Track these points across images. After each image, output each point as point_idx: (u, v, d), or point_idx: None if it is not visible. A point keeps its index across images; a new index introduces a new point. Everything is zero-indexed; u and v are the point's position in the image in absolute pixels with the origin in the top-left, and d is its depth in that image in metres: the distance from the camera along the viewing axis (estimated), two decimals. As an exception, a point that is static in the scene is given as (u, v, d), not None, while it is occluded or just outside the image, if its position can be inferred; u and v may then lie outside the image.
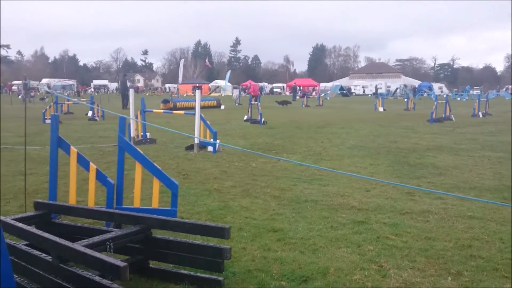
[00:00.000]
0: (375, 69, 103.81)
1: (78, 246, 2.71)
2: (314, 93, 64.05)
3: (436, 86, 75.75)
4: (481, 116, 20.35)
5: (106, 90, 70.64)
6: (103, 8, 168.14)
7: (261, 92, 63.32)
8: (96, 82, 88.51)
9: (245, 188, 5.95)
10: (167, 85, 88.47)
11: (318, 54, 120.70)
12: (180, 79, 73.52)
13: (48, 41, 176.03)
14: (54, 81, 78.48)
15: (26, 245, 3.10)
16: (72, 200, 4.25)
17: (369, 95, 66.58)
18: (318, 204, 5.17)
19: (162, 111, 14.52)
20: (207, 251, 3.06)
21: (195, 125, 9.32)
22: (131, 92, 10.64)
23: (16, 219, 3.36)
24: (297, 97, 46.54)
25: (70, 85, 76.60)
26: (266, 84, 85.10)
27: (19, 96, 39.44)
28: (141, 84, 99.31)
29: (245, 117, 17.54)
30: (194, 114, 9.38)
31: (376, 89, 61.27)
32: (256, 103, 16.94)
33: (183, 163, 7.94)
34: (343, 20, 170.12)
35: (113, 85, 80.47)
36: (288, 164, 7.62)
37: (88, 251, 2.62)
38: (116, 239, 3.03)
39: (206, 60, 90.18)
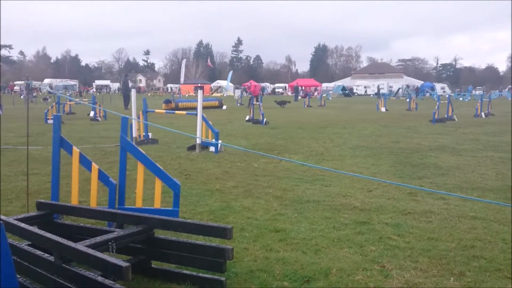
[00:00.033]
0: (377, 69, 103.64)
1: (80, 246, 2.72)
2: (316, 93, 64.00)
3: (438, 86, 75.61)
4: (483, 116, 20.31)
5: (108, 90, 70.68)
6: (106, 8, 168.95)
7: (263, 92, 63.26)
8: (98, 82, 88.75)
9: (247, 189, 5.94)
10: (169, 85, 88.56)
11: (320, 54, 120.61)
12: (182, 79, 73.48)
13: (50, 41, 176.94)
14: (56, 81, 78.60)
15: (28, 245, 3.11)
16: (74, 200, 4.26)
17: (371, 95, 66.58)
18: (320, 204, 5.17)
19: (164, 111, 14.52)
20: (209, 251, 3.06)
21: (197, 125, 9.32)
22: (133, 92, 10.65)
23: (18, 219, 3.37)
24: (299, 97, 46.51)
25: (72, 85, 76.73)
26: (268, 84, 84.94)
27: (21, 97, 39.51)
28: (143, 84, 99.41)
29: (247, 117, 17.55)
30: (196, 114, 9.39)
31: (378, 89, 61.28)
32: (258, 103, 16.95)
33: (185, 163, 7.94)
34: (345, 20, 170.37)
35: (115, 85, 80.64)
36: (290, 165, 7.62)
37: (91, 251, 2.62)
38: (118, 239, 3.03)
39: (208, 60, 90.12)
